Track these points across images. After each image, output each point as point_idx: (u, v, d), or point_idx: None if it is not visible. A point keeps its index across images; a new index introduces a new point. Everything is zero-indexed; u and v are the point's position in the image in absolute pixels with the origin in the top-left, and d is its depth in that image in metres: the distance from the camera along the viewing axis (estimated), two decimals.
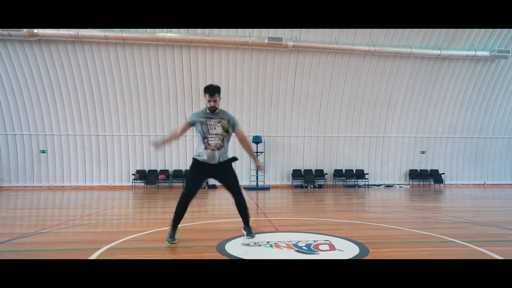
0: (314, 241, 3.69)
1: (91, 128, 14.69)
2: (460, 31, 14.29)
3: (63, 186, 14.61)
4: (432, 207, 7.48)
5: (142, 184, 14.72)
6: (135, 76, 14.27)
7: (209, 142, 3.66)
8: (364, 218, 5.60)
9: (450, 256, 3.14)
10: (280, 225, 4.82)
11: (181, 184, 14.88)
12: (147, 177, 14.80)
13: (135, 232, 4.31)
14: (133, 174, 14.68)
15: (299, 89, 15.16)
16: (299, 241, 3.66)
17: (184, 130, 3.83)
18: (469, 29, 14.10)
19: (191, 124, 3.79)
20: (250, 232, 3.90)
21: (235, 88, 14.78)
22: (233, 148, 4.64)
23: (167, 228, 4.49)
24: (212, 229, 4.57)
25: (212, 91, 3.63)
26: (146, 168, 15.05)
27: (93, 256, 3.07)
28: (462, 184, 16.51)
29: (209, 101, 3.64)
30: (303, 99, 15.32)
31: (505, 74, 15.75)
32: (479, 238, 3.92)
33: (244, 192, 4.49)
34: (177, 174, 15.11)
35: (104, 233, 4.40)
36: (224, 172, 3.83)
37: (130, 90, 14.43)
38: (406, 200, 9.37)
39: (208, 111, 3.73)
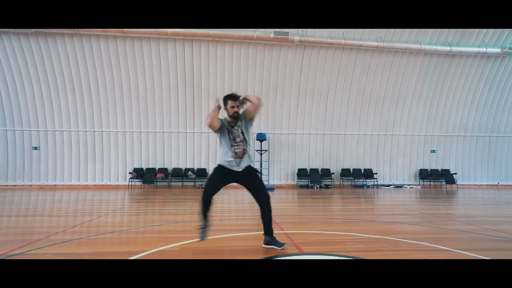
0: None
1: (86, 123, 13.92)
2: None
3: (55, 185, 13.80)
4: (463, 215, 6.69)
5: (139, 183, 13.95)
6: (135, 71, 13.52)
7: (236, 150, 3.64)
8: (396, 232, 4.78)
9: None
10: (302, 242, 4.03)
11: (180, 183, 14.21)
12: (144, 175, 14.01)
13: (128, 253, 3.51)
14: (129, 173, 13.90)
15: (305, 85, 14.44)
16: None
17: (214, 124, 3.63)
18: None
19: (220, 128, 3.67)
20: (278, 243, 3.69)
21: (238, 83, 14.04)
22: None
23: (166, 247, 3.66)
24: (224, 249, 3.78)
25: (235, 96, 3.65)
26: (144, 166, 14.27)
27: None
28: (475, 184, 15.81)
29: (233, 106, 3.63)
30: (309, 95, 14.59)
31: None
32: None
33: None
34: (176, 173, 14.32)
35: (89, 255, 3.57)
36: (249, 179, 3.75)
37: (129, 85, 13.68)
38: (427, 205, 8.60)
39: (229, 119, 3.71)
